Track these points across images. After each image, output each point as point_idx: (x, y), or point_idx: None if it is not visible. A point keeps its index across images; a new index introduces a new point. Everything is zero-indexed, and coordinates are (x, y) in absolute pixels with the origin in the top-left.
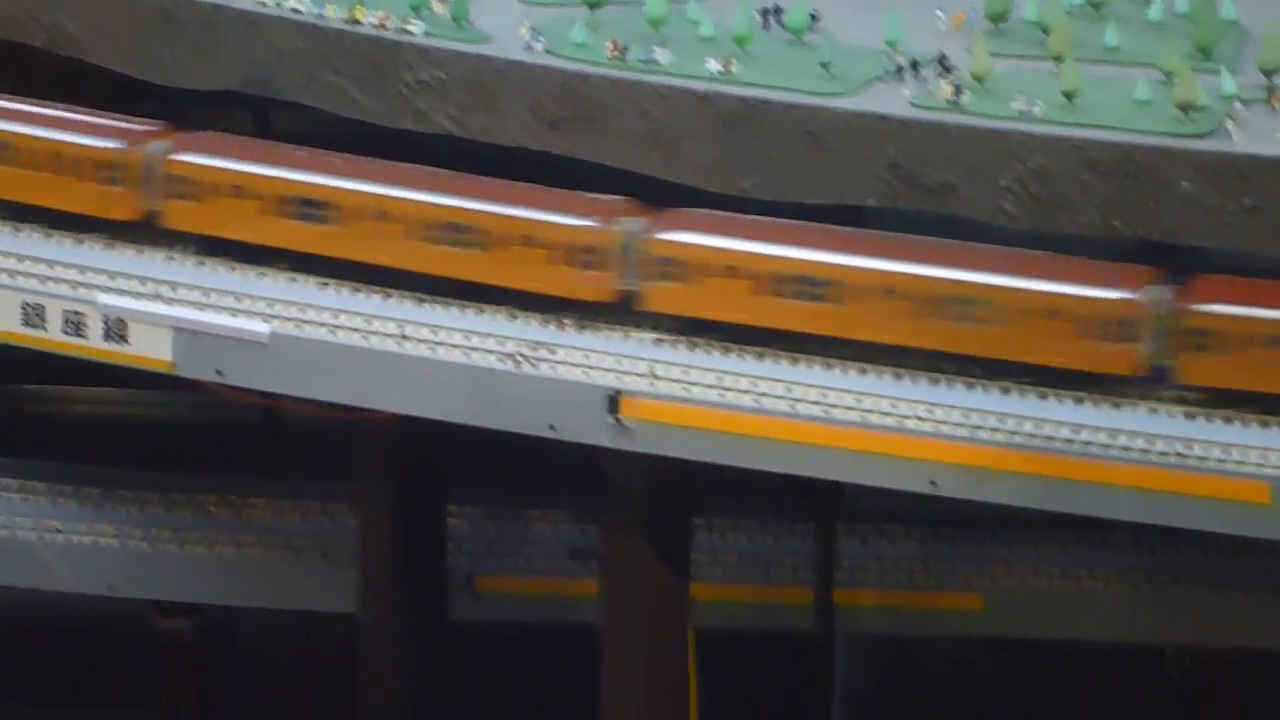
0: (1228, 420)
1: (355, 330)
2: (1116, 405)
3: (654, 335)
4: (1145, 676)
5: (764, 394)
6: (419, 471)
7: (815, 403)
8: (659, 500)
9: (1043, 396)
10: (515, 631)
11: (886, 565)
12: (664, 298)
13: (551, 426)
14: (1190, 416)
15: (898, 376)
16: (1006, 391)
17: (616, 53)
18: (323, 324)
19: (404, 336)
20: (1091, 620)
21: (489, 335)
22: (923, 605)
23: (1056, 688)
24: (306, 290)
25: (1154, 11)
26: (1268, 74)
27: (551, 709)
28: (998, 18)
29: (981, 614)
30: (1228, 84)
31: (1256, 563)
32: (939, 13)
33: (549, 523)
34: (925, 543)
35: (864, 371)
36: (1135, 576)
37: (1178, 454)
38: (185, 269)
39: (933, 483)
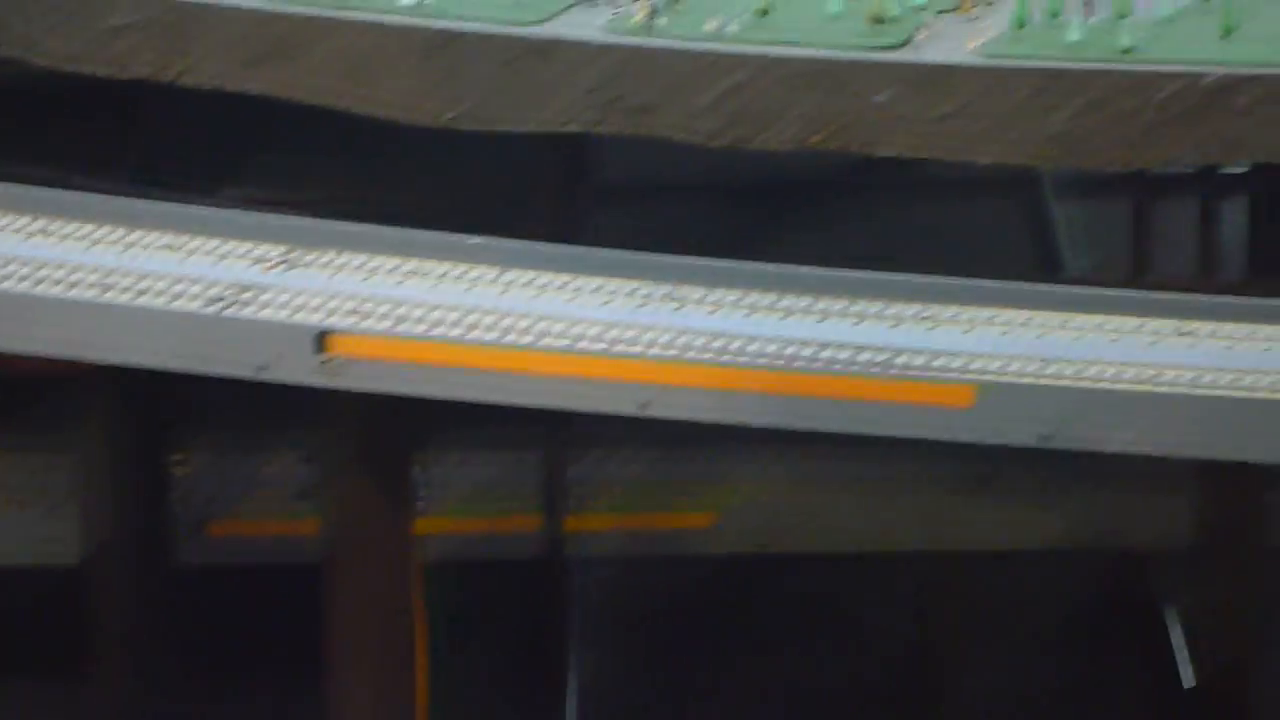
0: (931, 328)
1: (57, 282)
2: (821, 319)
3: (362, 273)
4: (878, 584)
5: (473, 325)
6: (139, 420)
7: (524, 331)
8: (376, 436)
9: (749, 313)
10: (251, 574)
11: (616, 488)
12: None
13: (261, 368)
14: (894, 325)
15: (605, 301)
16: (712, 312)
17: None
18: (23, 277)
19: (106, 286)
20: (820, 530)
21: (194, 281)
22: (654, 526)
23: (790, 599)
24: (4, 243)
25: None
26: None
27: (287, 650)
28: None
29: (713, 531)
30: None
31: (981, 466)
32: None
33: (279, 464)
34: (655, 463)
35: (573, 299)
36: (864, 487)
37: (882, 363)
38: None
39: (643, 404)
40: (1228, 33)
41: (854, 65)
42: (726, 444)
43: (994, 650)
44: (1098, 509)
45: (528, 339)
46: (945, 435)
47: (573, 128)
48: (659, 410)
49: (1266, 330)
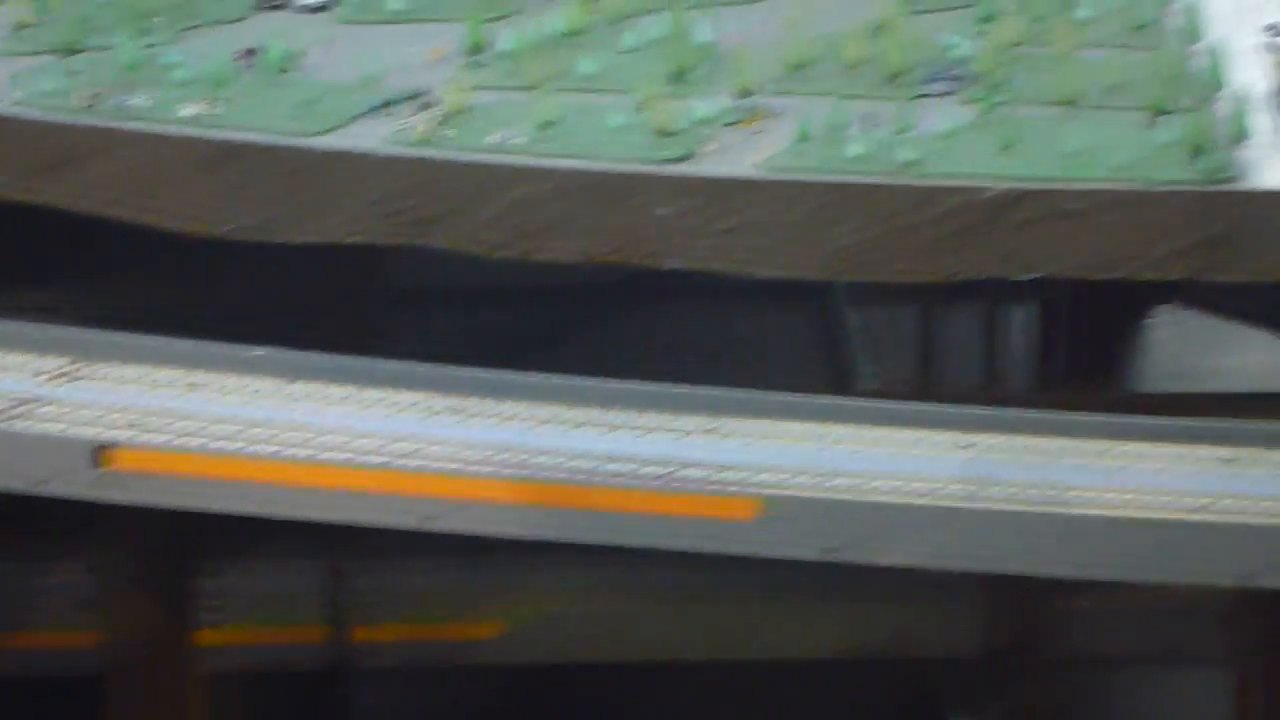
0: (717, 440)
1: None
2: (607, 431)
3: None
4: (670, 690)
5: (253, 438)
6: None
7: (305, 444)
8: (158, 547)
9: (534, 425)
10: (30, 687)
11: (404, 597)
12: None
13: (39, 482)
14: (679, 438)
15: (388, 414)
16: (497, 424)
17: (90, 100)
18: None
19: None
20: (612, 640)
21: None
22: (443, 636)
23: (581, 709)
24: None
25: (631, 38)
26: (742, 96)
27: None
28: (476, 50)
29: (502, 641)
30: (701, 108)
31: (771, 575)
32: (419, 46)
33: (60, 575)
34: (444, 573)
35: (356, 411)
36: (655, 594)
37: (666, 476)
38: None
39: (426, 518)
40: (1007, 148)
41: (638, 178)
42: (516, 553)
43: None
44: (885, 618)
45: (308, 452)
46: (728, 549)
47: (356, 240)
48: (442, 525)
49: (1045, 444)
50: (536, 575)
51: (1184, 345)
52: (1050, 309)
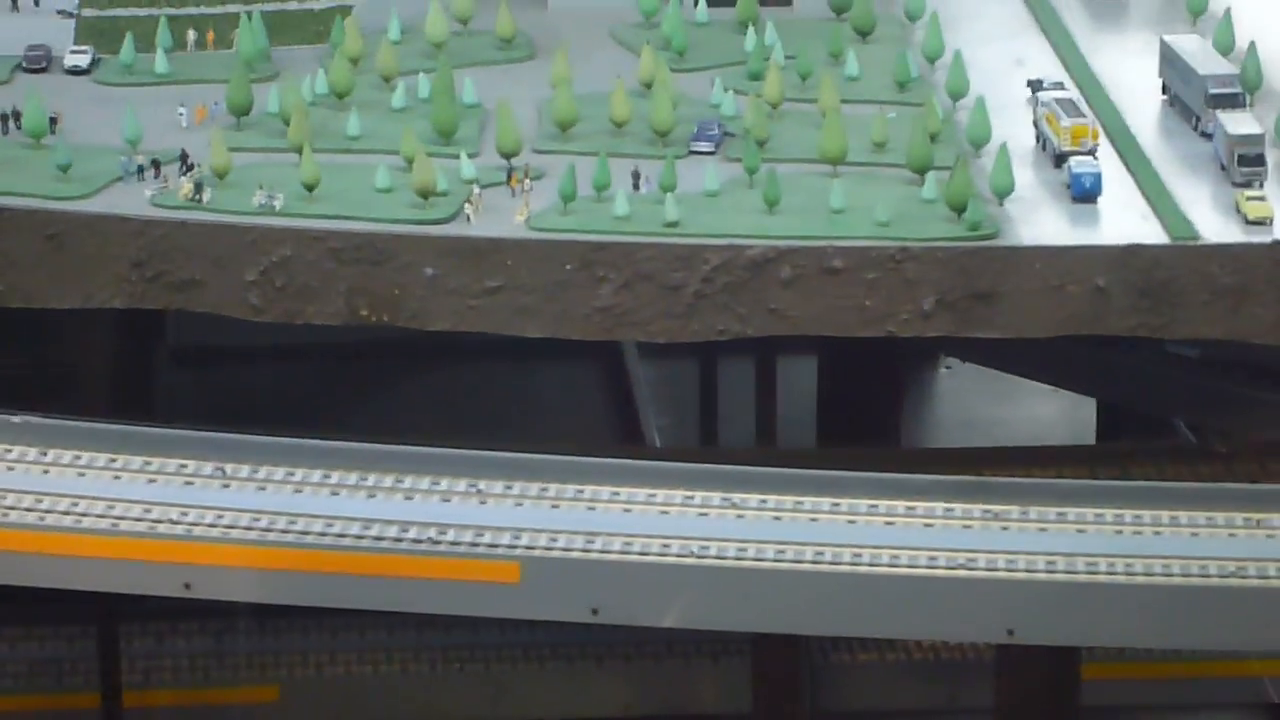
0: (481, 502)
1: None
2: (370, 495)
3: None
4: None
5: (12, 506)
6: None
7: (65, 512)
8: None
9: (298, 490)
10: None
11: (180, 662)
12: None
13: None
14: (444, 500)
15: (151, 480)
16: (260, 489)
17: None
18: None
19: None
20: (388, 702)
21: None
22: (217, 701)
23: None
24: None
25: (397, 99)
26: (506, 156)
27: None
28: (240, 111)
29: (277, 705)
30: (467, 168)
31: (544, 634)
32: (181, 108)
33: None
34: (220, 636)
35: (117, 478)
36: (431, 656)
37: (430, 540)
38: None
39: (187, 585)
40: (771, 206)
41: (401, 239)
42: (290, 617)
43: None
44: (661, 676)
45: (68, 520)
46: (494, 613)
47: (117, 303)
48: (203, 591)
49: (814, 502)
50: (310, 639)
51: (968, 396)
52: (829, 362)
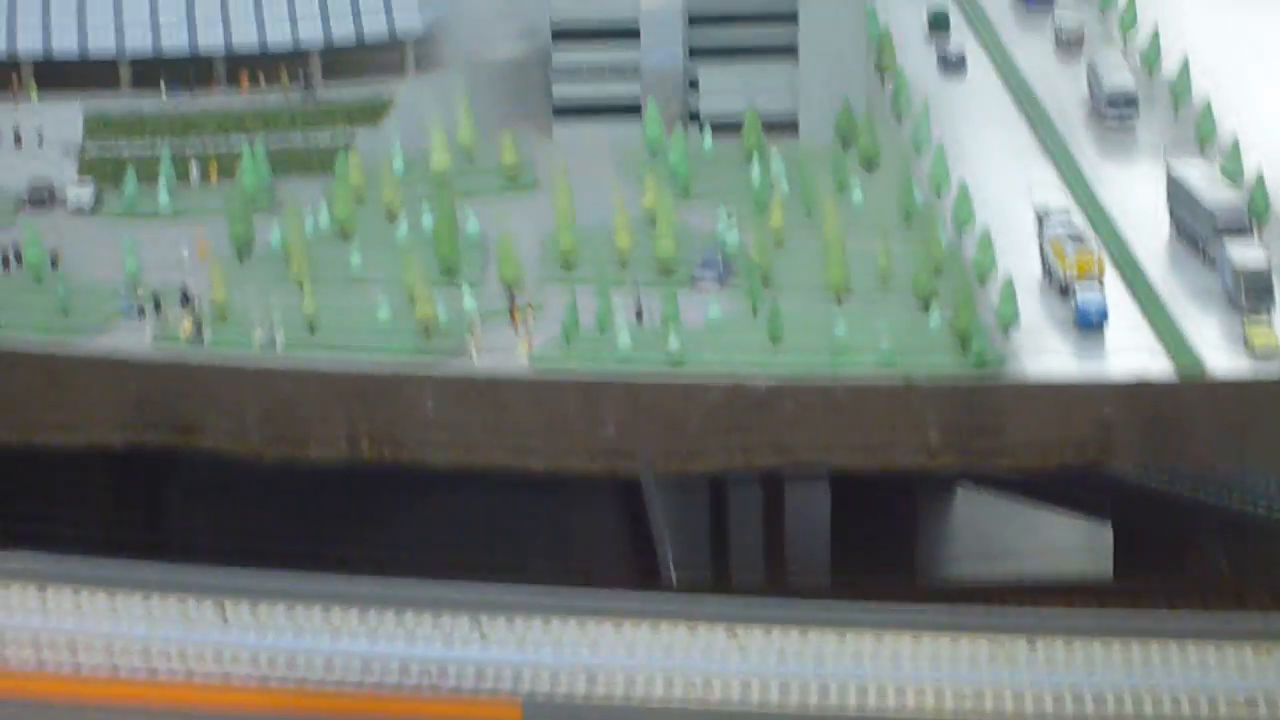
0: (482, 640)
1: None
2: (371, 635)
3: None
4: None
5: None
6: None
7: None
8: None
9: (298, 633)
10: None
11: None
12: None
13: None
14: (447, 643)
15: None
16: (261, 630)
17: None
18: None
19: None
20: None
21: None
22: None
23: None
24: None
25: (400, 232)
26: (509, 289)
27: None
28: (242, 246)
29: None
30: (469, 301)
31: None
32: (185, 244)
33: None
34: None
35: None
36: None
37: (431, 679)
38: None
39: None
40: (775, 339)
41: (403, 375)
42: None
43: None
44: None
45: (68, 661)
46: None
47: (117, 443)
48: None
49: (818, 637)
50: None
51: (984, 524)
52: (842, 489)
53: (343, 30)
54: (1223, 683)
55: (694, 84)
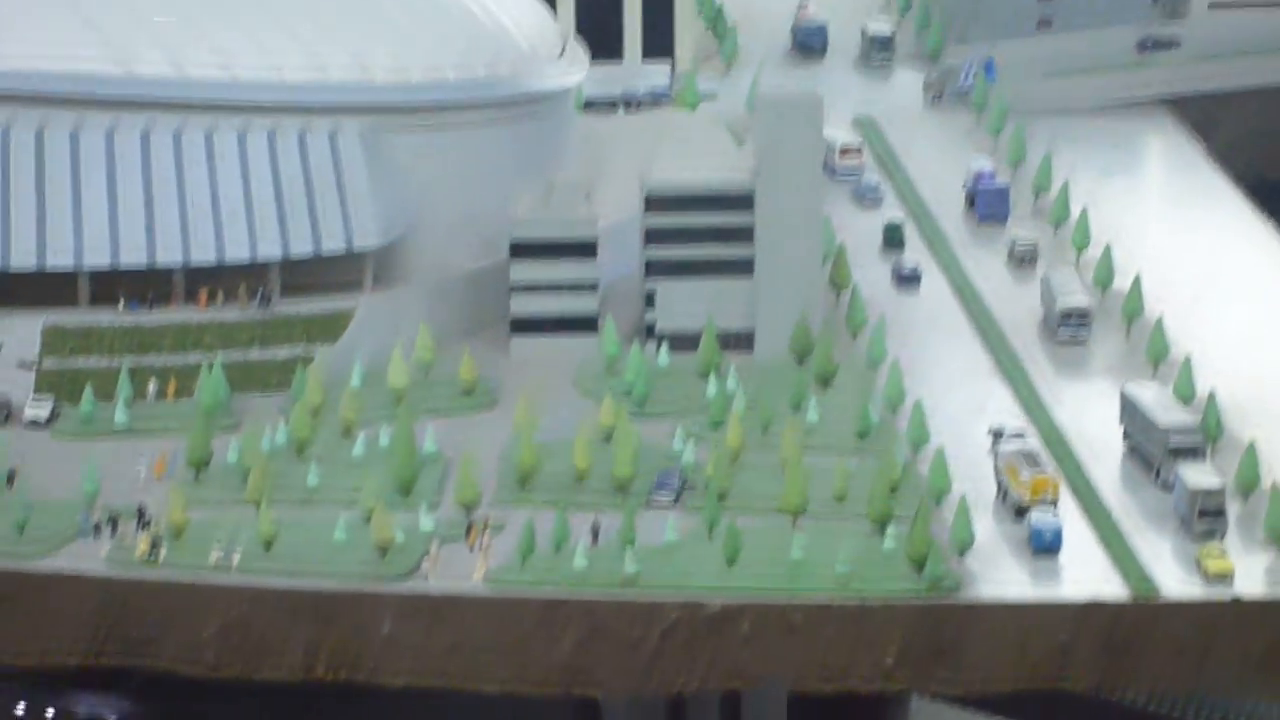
0: None
1: None
2: None
3: None
4: None
5: None
6: None
7: None
8: None
9: None
10: None
11: None
12: None
13: None
14: None
15: None
16: None
17: None
18: None
19: None
20: None
21: None
22: None
23: None
24: None
25: (357, 449)
26: (466, 509)
27: None
28: (199, 464)
29: None
30: (426, 521)
31: None
32: (142, 461)
33: None
34: None
35: None
36: None
37: None
38: None
39: None
40: (730, 559)
41: (358, 596)
42: None
43: None
44: None
45: None
46: None
47: (73, 660)
48: None
49: None
50: None
51: None
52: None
53: (301, 245)
54: None
55: (650, 299)
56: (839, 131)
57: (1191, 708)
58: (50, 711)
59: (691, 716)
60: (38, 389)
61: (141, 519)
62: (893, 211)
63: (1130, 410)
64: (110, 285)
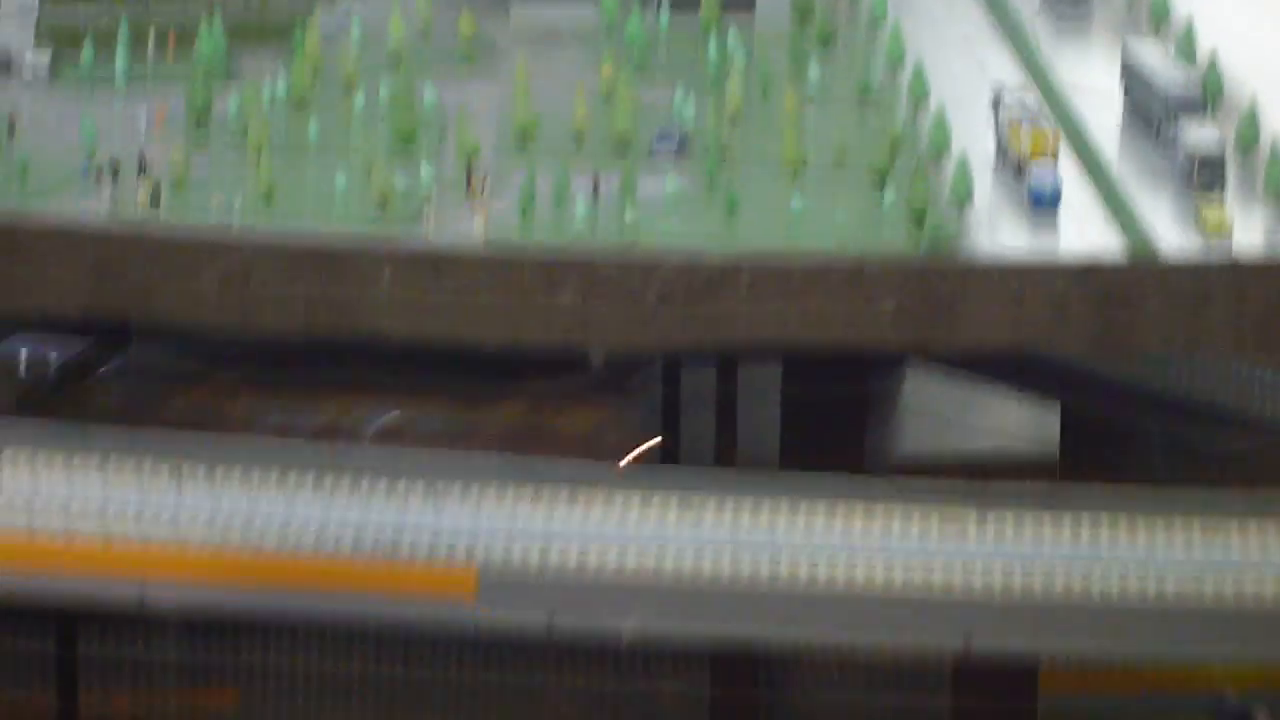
0: (437, 509)
1: None
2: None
3: None
4: None
5: None
6: None
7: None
8: None
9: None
10: None
11: (140, 668)
12: None
13: None
14: (403, 510)
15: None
16: (212, 489)
17: None
18: None
19: None
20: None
21: None
22: (177, 704)
23: None
24: None
25: (358, 104)
26: (466, 162)
27: None
28: (201, 113)
29: (236, 710)
30: (427, 174)
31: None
32: (143, 112)
33: None
34: (180, 641)
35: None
36: (395, 665)
37: (388, 545)
38: None
39: (144, 595)
40: (730, 214)
41: (359, 248)
42: (253, 622)
43: None
44: (621, 694)
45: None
46: (449, 622)
47: (73, 312)
48: (154, 604)
49: (770, 508)
50: (275, 644)
51: (935, 404)
52: (794, 368)
53: None
54: (1172, 558)
55: None
56: None
57: (1184, 379)
58: None
59: (686, 389)
60: (37, 40)
61: (142, 167)
62: None
63: (1131, 68)
64: None
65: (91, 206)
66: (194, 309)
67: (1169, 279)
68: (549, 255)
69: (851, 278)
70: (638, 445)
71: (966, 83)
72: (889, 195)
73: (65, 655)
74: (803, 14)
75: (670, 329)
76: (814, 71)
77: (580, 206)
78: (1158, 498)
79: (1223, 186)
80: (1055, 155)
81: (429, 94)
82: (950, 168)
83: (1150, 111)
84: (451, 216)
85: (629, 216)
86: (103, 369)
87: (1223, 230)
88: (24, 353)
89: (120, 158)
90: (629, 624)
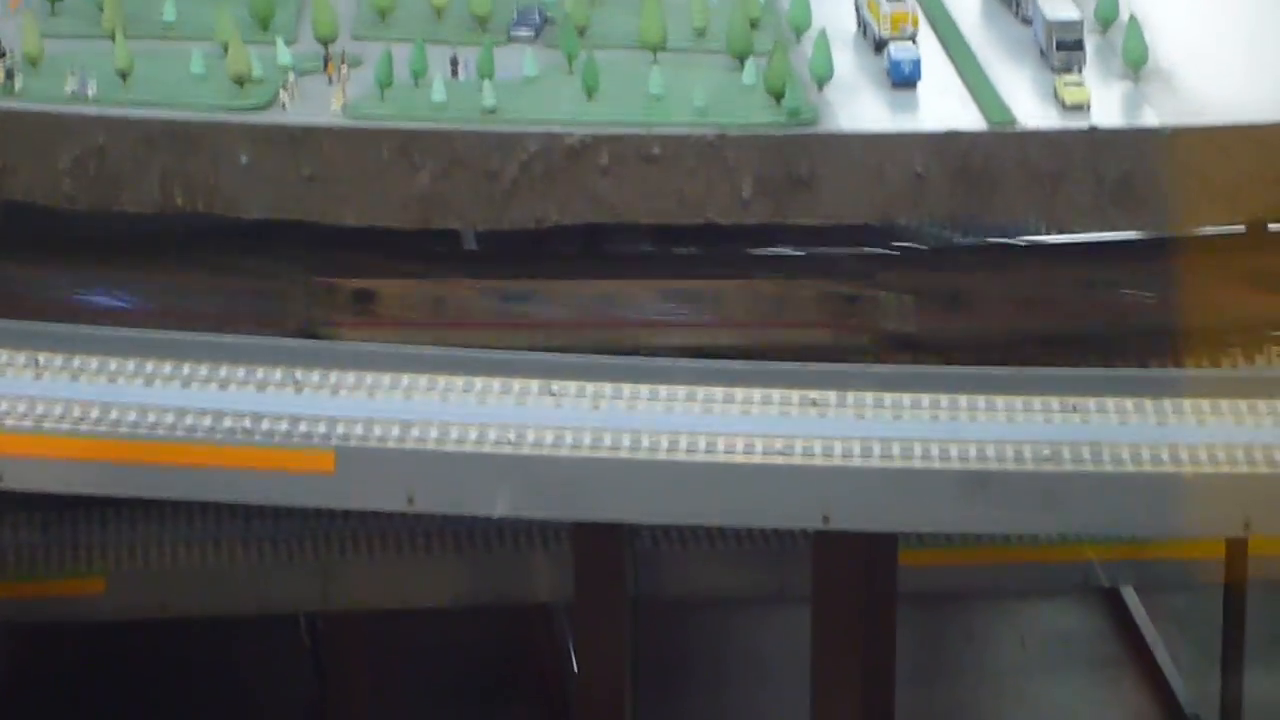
0: (296, 392)
1: None
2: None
3: None
4: (281, 644)
5: None
6: None
7: None
8: None
9: (112, 381)
10: None
11: (8, 553)
12: None
13: None
14: (259, 390)
15: None
16: (73, 379)
17: None
18: None
19: None
20: (221, 593)
21: None
22: (45, 593)
23: (184, 663)
24: None
25: None
26: (323, 42)
27: None
28: None
29: (104, 596)
30: (283, 54)
31: (376, 522)
32: None
33: None
34: (48, 527)
35: None
36: (261, 546)
37: (244, 430)
38: None
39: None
40: (589, 93)
41: (216, 126)
42: (117, 507)
43: (399, 706)
44: (496, 565)
45: None
46: (310, 502)
47: None
48: (13, 483)
49: (630, 388)
50: (141, 528)
51: None
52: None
53: None
54: (1030, 433)
55: None
56: None
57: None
58: None
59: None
60: None
61: None
62: None
63: None
64: None
65: None
66: (52, 188)
67: (1026, 151)
68: (407, 130)
69: (711, 150)
70: None
71: None
72: (749, 72)
73: None
74: None
75: (531, 203)
76: None
77: (438, 84)
78: (1010, 374)
79: (1081, 62)
80: (915, 32)
81: None
82: (810, 46)
83: None
84: (309, 96)
85: (487, 94)
86: None
87: (1081, 102)
88: None
89: None
90: (488, 504)
